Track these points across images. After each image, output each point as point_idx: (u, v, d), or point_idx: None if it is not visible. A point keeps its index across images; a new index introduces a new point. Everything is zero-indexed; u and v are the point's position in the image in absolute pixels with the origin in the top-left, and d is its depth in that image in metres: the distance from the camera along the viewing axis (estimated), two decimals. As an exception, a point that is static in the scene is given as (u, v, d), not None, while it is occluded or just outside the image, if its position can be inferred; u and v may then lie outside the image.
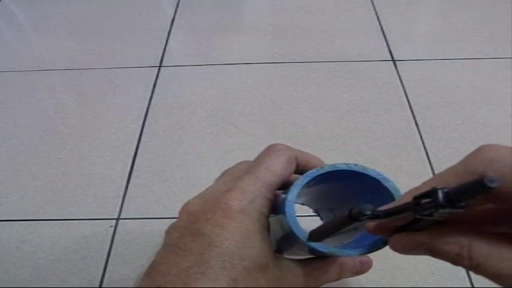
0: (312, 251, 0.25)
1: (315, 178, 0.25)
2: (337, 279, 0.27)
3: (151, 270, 0.23)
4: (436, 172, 0.48)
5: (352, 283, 0.39)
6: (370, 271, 0.40)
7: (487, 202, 0.18)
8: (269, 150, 0.27)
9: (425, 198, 0.17)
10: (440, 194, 0.16)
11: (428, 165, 0.49)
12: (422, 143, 0.52)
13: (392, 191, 0.24)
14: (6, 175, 0.51)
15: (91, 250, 0.43)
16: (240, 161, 0.28)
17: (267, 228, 0.25)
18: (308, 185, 0.25)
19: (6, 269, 0.42)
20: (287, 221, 0.23)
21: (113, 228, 0.45)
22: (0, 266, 0.42)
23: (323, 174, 0.25)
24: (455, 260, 0.19)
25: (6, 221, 0.47)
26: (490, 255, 0.17)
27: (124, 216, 0.46)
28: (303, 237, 0.23)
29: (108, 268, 0.42)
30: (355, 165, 0.25)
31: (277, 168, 0.25)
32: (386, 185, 0.24)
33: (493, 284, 0.17)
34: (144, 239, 0.44)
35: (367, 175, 0.25)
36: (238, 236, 0.23)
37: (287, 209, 0.24)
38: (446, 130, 0.53)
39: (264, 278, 0.23)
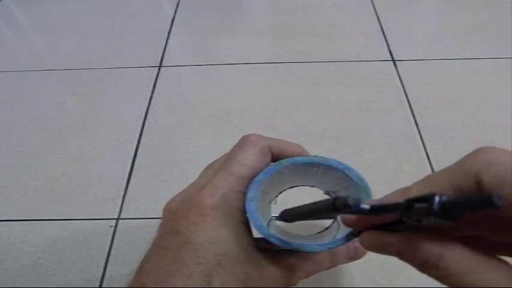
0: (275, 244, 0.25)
1: (272, 174, 0.25)
2: (330, 267, 0.27)
3: (140, 269, 0.24)
4: (436, 172, 0.48)
5: (352, 283, 0.39)
6: (370, 271, 0.40)
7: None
8: (241, 143, 0.27)
9: (419, 203, 0.15)
10: (436, 201, 0.15)
11: (428, 165, 0.49)
12: (422, 143, 0.52)
13: (355, 180, 0.24)
14: (6, 175, 0.51)
15: (91, 250, 0.43)
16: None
17: (243, 221, 0.25)
18: (279, 172, 0.25)
19: (6, 269, 0.42)
20: (249, 218, 0.24)
21: (113, 228, 0.45)
22: (0, 266, 0.42)
23: (281, 168, 0.25)
24: (421, 267, 0.18)
25: (6, 221, 0.47)
26: (458, 268, 0.17)
27: (124, 216, 0.46)
28: (265, 234, 0.24)
29: (108, 268, 0.42)
30: (315, 156, 0.25)
31: (250, 161, 0.25)
32: (350, 174, 0.25)
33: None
34: (144, 239, 0.44)
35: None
36: (211, 231, 0.23)
37: (247, 207, 0.24)
38: (446, 130, 0.53)
39: (240, 271, 0.23)
